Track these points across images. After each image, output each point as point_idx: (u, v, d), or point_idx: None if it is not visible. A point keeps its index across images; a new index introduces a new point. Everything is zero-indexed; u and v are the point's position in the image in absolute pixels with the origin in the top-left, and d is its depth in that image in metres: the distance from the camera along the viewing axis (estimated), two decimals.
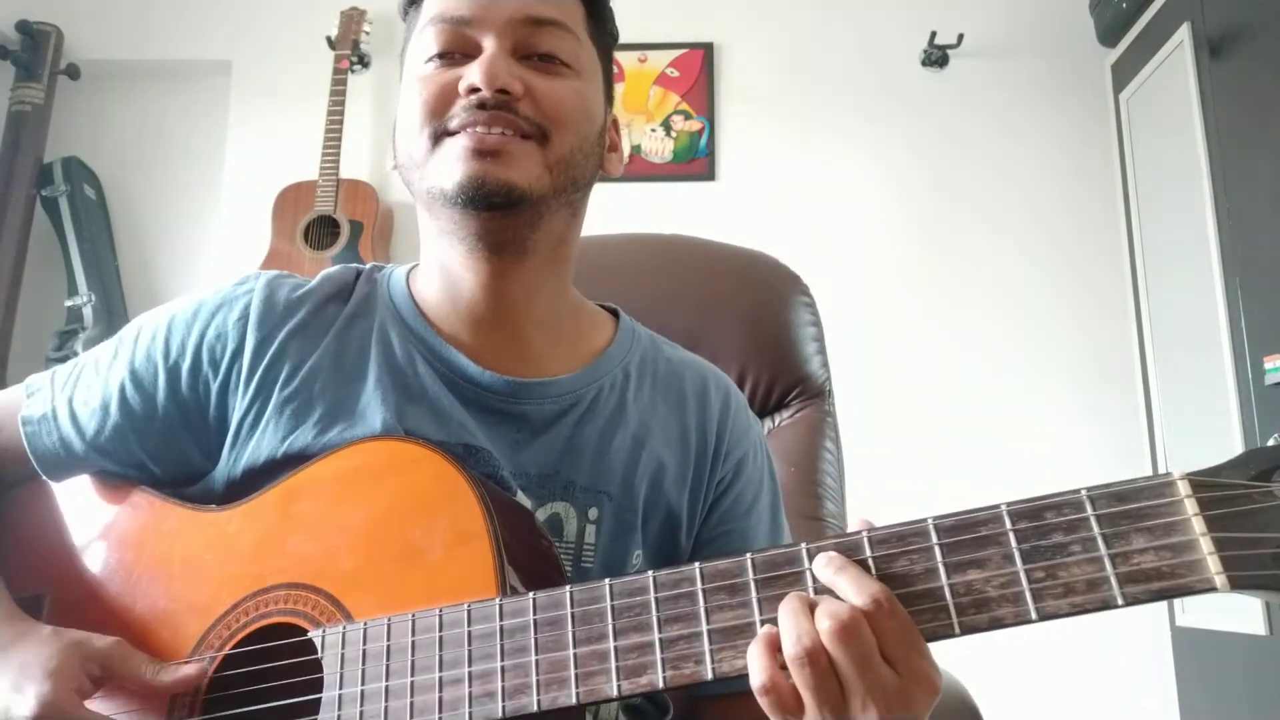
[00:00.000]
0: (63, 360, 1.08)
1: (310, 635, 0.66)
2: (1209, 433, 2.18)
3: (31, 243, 2.72)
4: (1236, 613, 2.06)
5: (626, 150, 2.76)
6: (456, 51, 0.77)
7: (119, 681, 0.70)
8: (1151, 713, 2.38)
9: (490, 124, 0.73)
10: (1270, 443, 0.53)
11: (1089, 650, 2.39)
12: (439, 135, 0.75)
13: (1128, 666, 2.40)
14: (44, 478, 0.82)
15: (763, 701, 0.55)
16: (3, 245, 2.63)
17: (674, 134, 2.78)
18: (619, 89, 2.80)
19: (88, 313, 2.66)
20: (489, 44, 0.76)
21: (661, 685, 0.57)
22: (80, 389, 0.81)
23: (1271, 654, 1.96)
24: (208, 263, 2.76)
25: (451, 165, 0.73)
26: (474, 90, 0.74)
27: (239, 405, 0.78)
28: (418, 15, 0.81)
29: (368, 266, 0.88)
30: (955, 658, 0.94)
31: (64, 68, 2.82)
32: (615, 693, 0.57)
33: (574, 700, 0.58)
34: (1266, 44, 2.00)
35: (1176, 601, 2.33)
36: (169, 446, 0.79)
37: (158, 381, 0.79)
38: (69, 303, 2.69)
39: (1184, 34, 2.24)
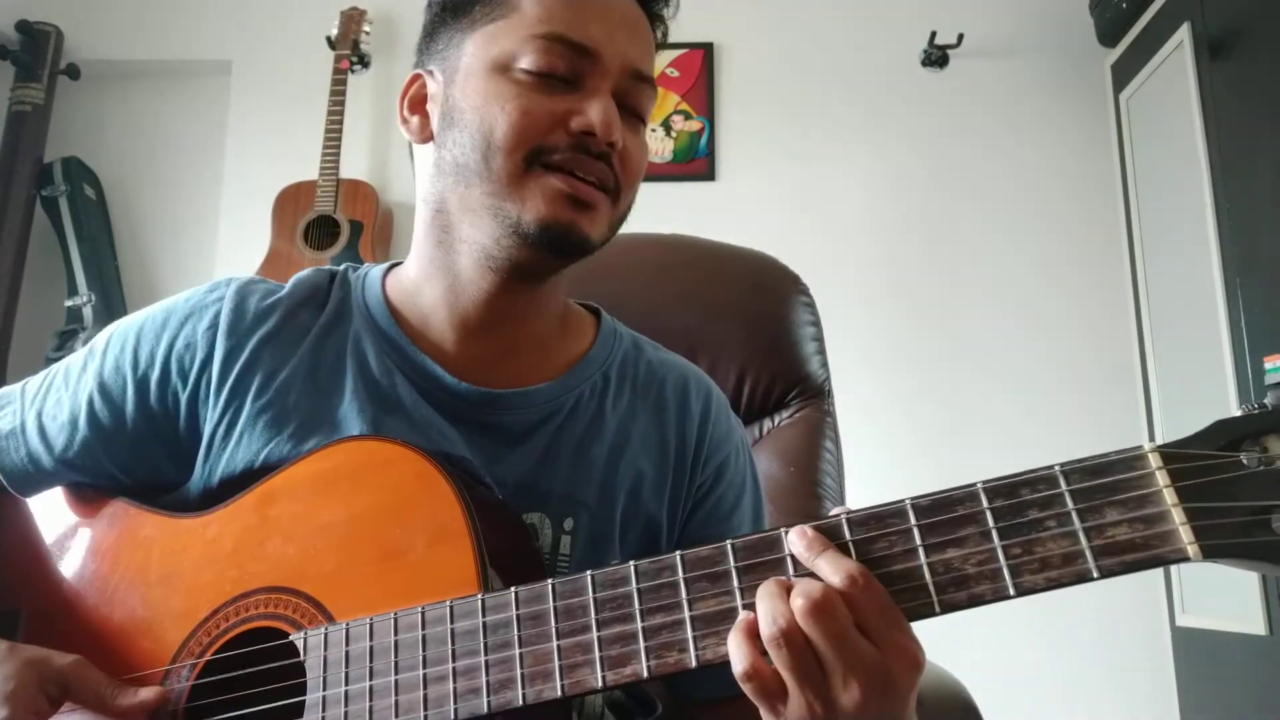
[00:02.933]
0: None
1: (292, 638, 0.66)
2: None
3: (31, 243, 2.72)
4: (1236, 613, 2.06)
5: None
6: (564, 75, 0.74)
7: (79, 702, 0.68)
8: (1151, 713, 2.37)
9: (591, 172, 0.73)
10: (1238, 413, 0.54)
11: (1089, 650, 2.39)
12: (531, 162, 0.73)
13: (1128, 666, 2.40)
14: (13, 493, 0.80)
15: (746, 688, 0.55)
16: (3, 245, 2.63)
17: (674, 134, 2.78)
18: None
19: (88, 313, 2.66)
20: (603, 88, 0.74)
21: (646, 675, 0.57)
22: (49, 402, 0.79)
23: (1271, 654, 1.96)
24: (208, 263, 2.76)
25: (542, 201, 0.72)
26: (588, 133, 0.72)
27: (210, 416, 0.77)
28: (514, 7, 0.76)
29: (342, 268, 0.86)
30: (954, 657, 0.94)
31: (64, 68, 2.82)
32: (600, 684, 0.57)
33: (559, 693, 0.58)
34: (1266, 44, 2.00)
35: (1176, 601, 2.33)
36: (140, 459, 0.78)
37: (126, 394, 0.77)
38: (69, 303, 2.69)
39: (1184, 34, 2.24)
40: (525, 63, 0.74)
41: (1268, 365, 1.93)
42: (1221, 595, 2.14)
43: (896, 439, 2.51)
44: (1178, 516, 0.52)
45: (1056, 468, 0.55)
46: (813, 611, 0.53)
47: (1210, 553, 0.51)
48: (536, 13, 0.75)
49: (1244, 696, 2.09)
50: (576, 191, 0.72)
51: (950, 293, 2.65)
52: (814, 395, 1.20)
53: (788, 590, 0.55)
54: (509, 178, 0.73)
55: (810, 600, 0.54)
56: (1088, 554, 0.53)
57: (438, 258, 0.79)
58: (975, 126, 2.74)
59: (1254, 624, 2.00)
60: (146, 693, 0.68)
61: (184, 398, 0.77)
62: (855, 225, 2.69)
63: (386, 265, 0.86)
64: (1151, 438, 2.44)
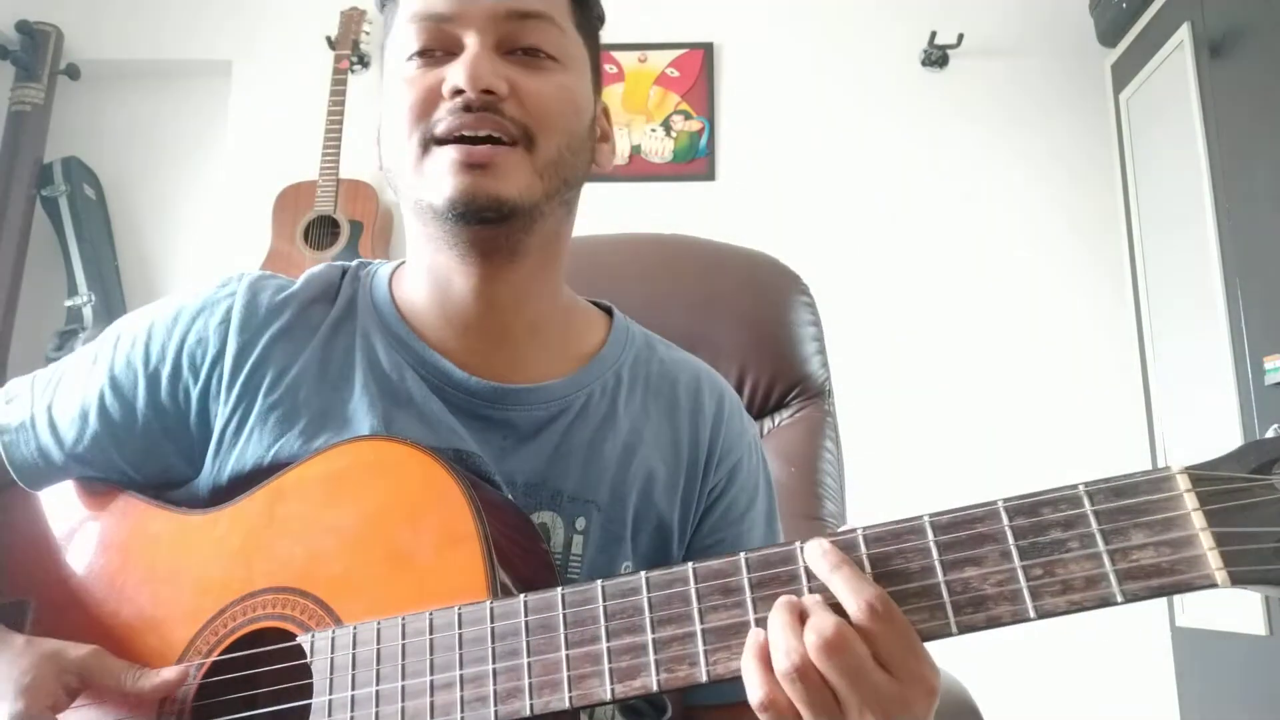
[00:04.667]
0: None
1: (299, 640, 0.65)
2: (1209, 433, 2.18)
3: (31, 243, 2.72)
4: (1236, 613, 2.06)
5: (626, 148, 2.75)
6: (438, 49, 0.74)
7: (98, 691, 0.69)
8: (1151, 713, 2.37)
9: (477, 126, 0.71)
10: (1269, 434, 0.52)
11: (1089, 650, 2.39)
12: (426, 142, 0.72)
13: (1128, 666, 2.40)
14: (22, 487, 0.80)
15: (762, 717, 0.54)
16: (3, 245, 2.63)
17: (674, 134, 2.78)
18: (619, 89, 2.80)
19: (88, 313, 2.66)
20: (471, 41, 0.73)
21: (655, 688, 0.56)
22: (59, 396, 0.79)
23: (1271, 654, 1.96)
24: (208, 263, 2.76)
25: (440, 179, 0.71)
26: (458, 91, 0.71)
27: (221, 412, 0.76)
28: (395, 9, 0.77)
29: (354, 264, 0.85)
30: (955, 657, 0.94)
31: (64, 68, 2.82)
32: (608, 696, 0.57)
33: (567, 704, 0.57)
34: (1266, 44, 2.00)
35: (1176, 601, 2.33)
36: (150, 454, 0.77)
37: (137, 389, 0.77)
38: (69, 303, 2.69)
39: (1184, 34, 2.24)
40: (406, 51, 0.75)
41: (1268, 365, 1.93)
42: (1221, 596, 2.13)
43: (896, 439, 2.51)
44: (1206, 541, 0.50)
45: (1080, 486, 0.53)
46: (826, 649, 0.52)
47: (1239, 579, 0.49)
48: (405, 1, 0.76)
49: (1244, 696, 2.09)
50: (467, 156, 0.71)
51: (950, 293, 2.64)
52: (814, 395, 1.20)
53: (801, 619, 0.54)
54: (412, 168, 0.73)
55: (823, 638, 0.52)
56: (1111, 577, 0.51)
57: (421, 258, 0.79)
58: (975, 126, 2.74)
59: (1254, 624, 2.00)
60: (168, 673, 0.68)
61: (195, 393, 0.77)
62: (855, 225, 2.69)
63: (395, 264, 0.85)
64: (1151, 438, 2.44)
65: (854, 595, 0.54)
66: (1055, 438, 2.51)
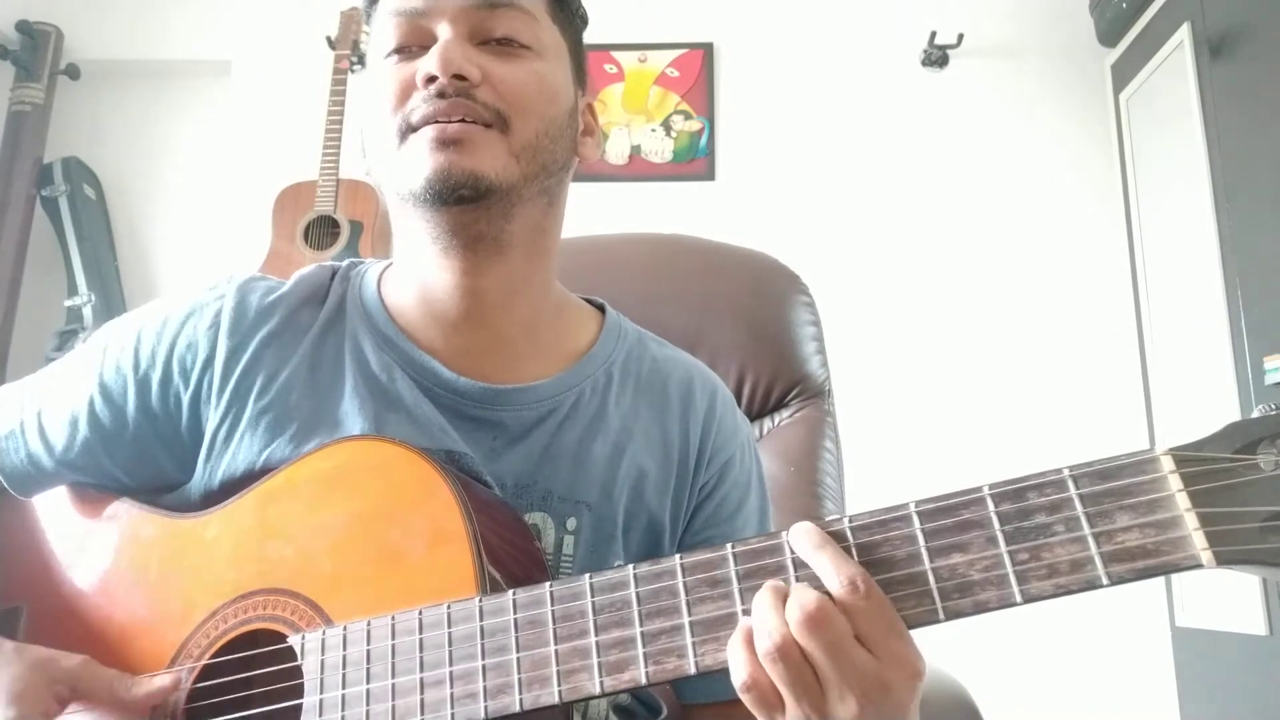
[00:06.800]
0: None
1: (289, 641, 0.65)
2: (1209, 433, 2.17)
3: (31, 243, 2.72)
4: (1236, 613, 2.06)
5: (626, 148, 2.75)
6: (414, 45, 0.75)
7: (89, 700, 0.69)
8: (1151, 713, 2.37)
9: (450, 112, 0.71)
10: (1254, 414, 0.52)
11: (1089, 650, 2.39)
12: (404, 131, 0.73)
13: (1128, 666, 2.40)
14: (13, 494, 0.80)
15: (745, 699, 0.54)
16: (3, 245, 2.63)
17: (674, 134, 2.78)
18: (619, 89, 2.80)
19: (88, 313, 2.66)
20: (443, 32, 0.74)
21: (645, 681, 0.56)
22: (49, 402, 0.79)
23: (1271, 654, 1.96)
24: (208, 263, 2.76)
25: (417, 162, 0.72)
26: (431, 79, 0.72)
27: (212, 416, 0.76)
28: (375, 11, 0.79)
29: (344, 264, 0.85)
30: (955, 656, 0.94)
31: (64, 68, 2.82)
32: (598, 690, 0.57)
33: (556, 699, 0.57)
34: (1266, 44, 2.00)
35: (1176, 601, 2.33)
36: (141, 459, 0.77)
37: (127, 394, 0.76)
38: (69, 303, 2.69)
39: (1184, 34, 2.24)
40: (384, 49, 0.76)
41: (1268, 365, 1.93)
42: (1221, 595, 2.14)
43: (896, 439, 2.51)
44: (1191, 522, 0.50)
45: (1065, 471, 0.53)
46: (808, 624, 0.52)
47: (1225, 559, 0.49)
48: (384, 1, 0.78)
49: (1244, 696, 2.09)
50: (441, 133, 0.71)
51: (950, 292, 2.64)
52: (814, 395, 1.20)
53: (783, 599, 0.54)
54: (391, 157, 0.74)
55: (805, 612, 0.52)
56: (1097, 560, 0.51)
57: (408, 256, 0.79)
58: (975, 126, 2.74)
59: (1254, 624, 2.00)
60: (161, 680, 0.68)
61: (186, 398, 0.76)
62: (855, 225, 2.69)
63: (384, 264, 0.85)
64: (1152, 439, 2.44)
65: (836, 571, 0.54)
66: (1055, 439, 2.51)
